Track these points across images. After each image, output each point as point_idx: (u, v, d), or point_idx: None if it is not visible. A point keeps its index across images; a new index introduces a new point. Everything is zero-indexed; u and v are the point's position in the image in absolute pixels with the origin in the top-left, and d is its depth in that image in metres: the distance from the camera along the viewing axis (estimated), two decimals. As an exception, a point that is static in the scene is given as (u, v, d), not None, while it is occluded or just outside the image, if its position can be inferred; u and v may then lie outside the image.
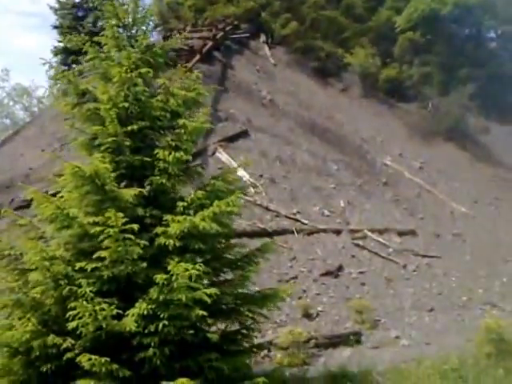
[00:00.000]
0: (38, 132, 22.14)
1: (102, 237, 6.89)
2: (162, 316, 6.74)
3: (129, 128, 7.85)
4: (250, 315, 8.14)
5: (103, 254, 6.92)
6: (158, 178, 7.82)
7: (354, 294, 14.29)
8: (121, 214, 6.86)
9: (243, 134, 22.97)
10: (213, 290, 6.96)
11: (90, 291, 6.81)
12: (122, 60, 8.15)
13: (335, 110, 29.39)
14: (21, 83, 48.15)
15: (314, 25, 34.77)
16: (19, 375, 6.94)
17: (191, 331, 7.15)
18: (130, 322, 6.67)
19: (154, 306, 6.76)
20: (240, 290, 8.02)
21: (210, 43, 28.04)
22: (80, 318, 6.63)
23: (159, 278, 6.73)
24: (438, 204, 22.41)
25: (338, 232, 17.93)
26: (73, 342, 6.76)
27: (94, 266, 6.96)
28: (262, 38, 34.30)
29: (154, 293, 6.77)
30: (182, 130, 8.15)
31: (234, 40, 31.84)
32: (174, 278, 6.72)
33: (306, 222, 18.00)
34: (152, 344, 6.76)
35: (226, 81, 26.70)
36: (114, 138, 7.78)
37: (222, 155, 21.00)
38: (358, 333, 12.36)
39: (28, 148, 21.19)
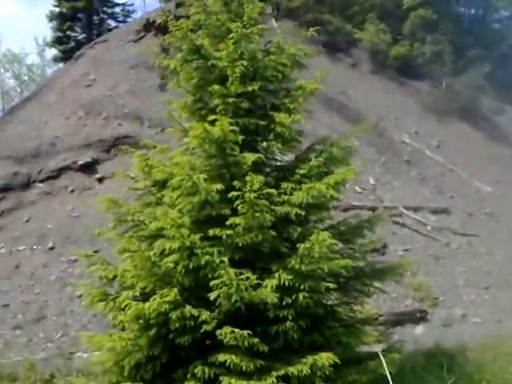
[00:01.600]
0: (60, 98, 21.51)
1: (238, 202, 6.55)
2: (302, 287, 6.46)
3: (249, 88, 7.44)
4: (366, 289, 7.89)
5: (237, 220, 6.59)
6: (273, 142, 7.49)
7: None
8: (260, 178, 6.53)
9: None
10: (348, 262, 6.73)
11: (221, 261, 6.51)
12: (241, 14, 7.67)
13: (347, 86, 29.09)
14: (11, 49, 46.69)
15: (319, -2, 34.32)
16: (147, 351, 6.61)
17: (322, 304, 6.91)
18: (269, 294, 6.37)
19: (292, 277, 6.47)
20: (357, 263, 7.78)
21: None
22: (220, 288, 6.31)
23: (302, 247, 6.43)
24: (462, 183, 22.40)
25: (373, 209, 17.72)
26: (209, 314, 6.45)
27: (228, 233, 6.62)
28: (268, 10, 33.66)
29: (295, 263, 6.47)
30: (299, 92, 7.77)
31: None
32: (315, 247, 6.42)
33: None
34: (289, 317, 6.48)
35: (240, 52, 26.15)
36: (234, 99, 7.38)
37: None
38: (424, 311, 12.24)
39: (51, 115, 20.57)
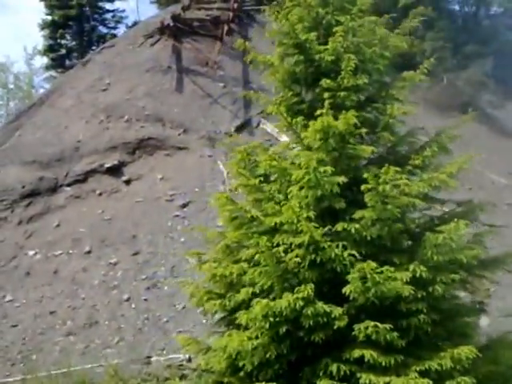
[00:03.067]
0: (76, 103, 21.01)
1: (369, 194, 6.27)
2: (437, 279, 6.20)
3: (359, 82, 7.17)
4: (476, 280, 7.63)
5: (366, 213, 6.32)
6: (384, 134, 7.24)
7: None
8: (395, 168, 6.26)
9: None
10: (479, 251, 6.50)
11: (350, 254, 6.23)
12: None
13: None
14: (-4, 58, 45.81)
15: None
16: (275, 349, 6.28)
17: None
18: (403, 286, 6.08)
19: (426, 269, 6.20)
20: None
21: (231, 14, 27.16)
22: (355, 283, 6.02)
23: (441, 237, 6.17)
24: (477, 175, 22.28)
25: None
26: (341, 309, 6.15)
27: (356, 226, 6.33)
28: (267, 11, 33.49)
29: (431, 253, 6.21)
30: (403, 83, 7.54)
31: (244, 13, 30.99)
32: (453, 237, 6.17)
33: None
34: (423, 310, 6.20)
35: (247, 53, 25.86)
36: (344, 93, 7.11)
37: (267, 126, 20.35)
38: (481, 302, 12.00)
39: (70, 120, 20.10)
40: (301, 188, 6.59)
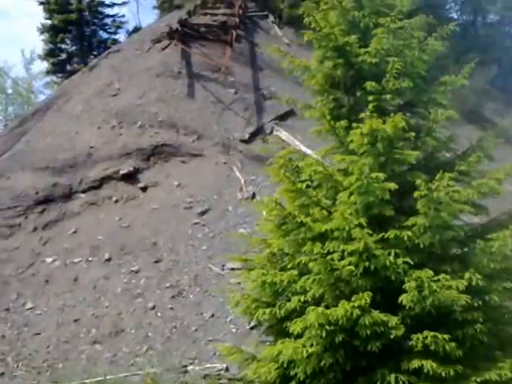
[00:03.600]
0: (86, 108, 20.88)
1: (422, 201, 6.20)
2: (493, 287, 6.13)
3: (403, 85, 7.10)
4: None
5: (418, 220, 6.25)
6: (428, 139, 7.18)
7: None
8: (449, 175, 6.19)
9: (291, 113, 22.25)
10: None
11: (405, 262, 6.16)
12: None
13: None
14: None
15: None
16: (330, 358, 6.19)
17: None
18: (459, 295, 6.00)
19: (481, 277, 6.12)
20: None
21: (237, 20, 27.13)
22: (411, 292, 5.94)
23: (496, 245, 6.11)
24: (489, 182, 22.24)
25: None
26: (397, 318, 6.07)
27: (408, 234, 6.25)
28: (270, 17, 33.49)
29: (487, 261, 6.14)
30: (443, 87, 7.47)
31: (248, 18, 30.99)
32: (506, 245, 6.10)
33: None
34: (479, 319, 6.12)
35: (256, 59, 25.88)
36: (388, 96, 7.04)
37: (282, 133, 20.27)
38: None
39: (81, 125, 19.97)
40: (350, 194, 6.51)
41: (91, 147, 18.73)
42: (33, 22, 79.76)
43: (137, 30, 44.70)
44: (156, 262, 14.23)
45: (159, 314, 12.39)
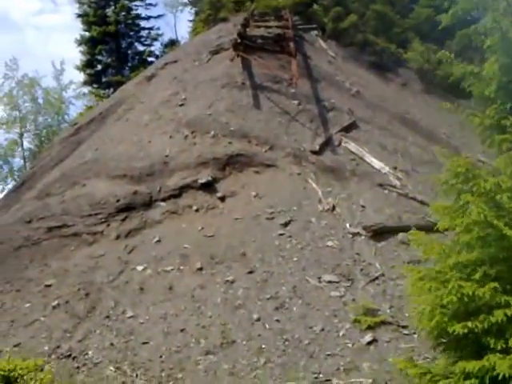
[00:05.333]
0: (154, 117, 20.76)
1: None
2: None
3: None
4: None
5: None
6: None
7: None
8: None
9: (353, 125, 22.13)
10: None
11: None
12: None
13: (405, 105, 28.78)
14: (27, 74, 45.78)
15: (363, 19, 34.26)
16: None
17: None
18: None
19: None
20: None
21: (291, 32, 27.07)
22: None
23: None
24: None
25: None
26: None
27: None
28: (315, 31, 33.46)
29: None
30: None
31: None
32: None
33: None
34: None
35: (312, 71, 25.76)
36: None
37: (350, 145, 20.10)
38: None
39: (151, 134, 19.83)
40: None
41: (166, 156, 18.55)
42: (41, 34, 79.91)
43: (173, 42, 44.95)
44: (249, 272, 13.98)
45: (267, 326, 12.13)
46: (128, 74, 41.08)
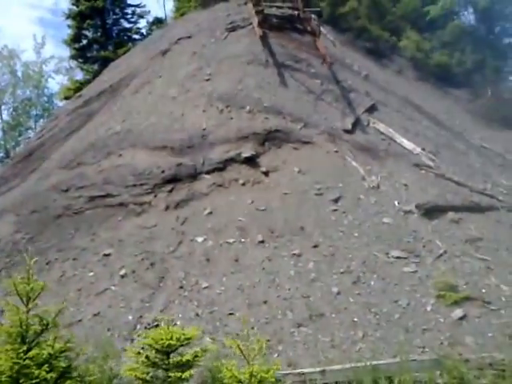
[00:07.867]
0: (181, 91, 19.99)
1: None
2: None
3: None
4: None
5: None
6: None
7: None
8: None
9: (374, 107, 21.95)
10: None
11: None
12: None
13: (405, 91, 28.80)
14: (7, 45, 44.10)
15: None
16: None
17: None
18: None
19: None
20: None
21: (308, 13, 26.62)
22: None
23: None
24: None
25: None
26: None
27: None
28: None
29: None
30: None
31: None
32: None
33: (500, 198, 17.37)
34: None
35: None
36: None
37: (379, 125, 19.91)
38: None
39: (183, 107, 19.11)
40: None
41: (204, 129, 17.87)
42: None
43: (159, 20, 43.82)
44: (314, 246, 13.61)
45: (351, 300, 11.80)
46: (114, 50, 39.78)
